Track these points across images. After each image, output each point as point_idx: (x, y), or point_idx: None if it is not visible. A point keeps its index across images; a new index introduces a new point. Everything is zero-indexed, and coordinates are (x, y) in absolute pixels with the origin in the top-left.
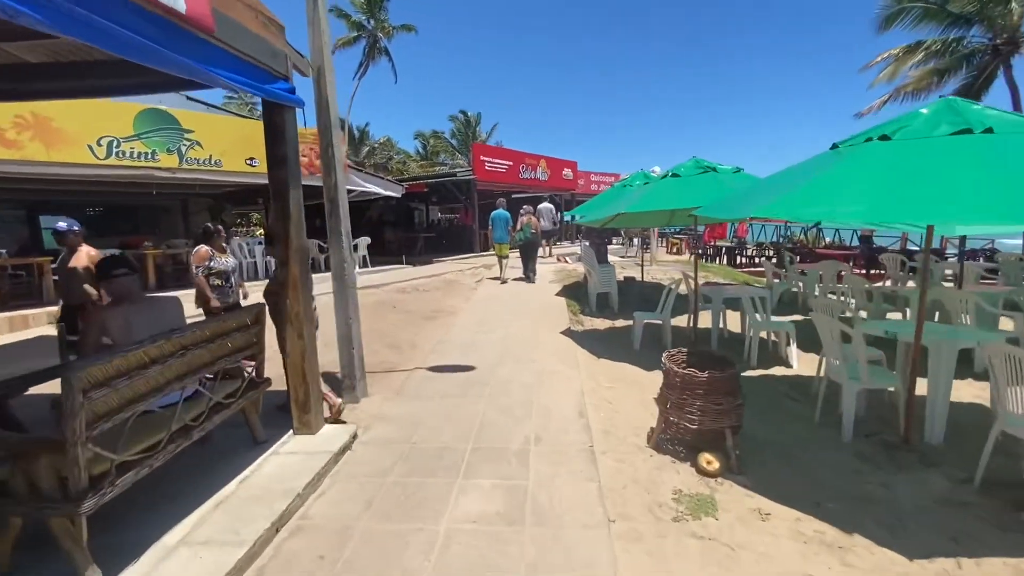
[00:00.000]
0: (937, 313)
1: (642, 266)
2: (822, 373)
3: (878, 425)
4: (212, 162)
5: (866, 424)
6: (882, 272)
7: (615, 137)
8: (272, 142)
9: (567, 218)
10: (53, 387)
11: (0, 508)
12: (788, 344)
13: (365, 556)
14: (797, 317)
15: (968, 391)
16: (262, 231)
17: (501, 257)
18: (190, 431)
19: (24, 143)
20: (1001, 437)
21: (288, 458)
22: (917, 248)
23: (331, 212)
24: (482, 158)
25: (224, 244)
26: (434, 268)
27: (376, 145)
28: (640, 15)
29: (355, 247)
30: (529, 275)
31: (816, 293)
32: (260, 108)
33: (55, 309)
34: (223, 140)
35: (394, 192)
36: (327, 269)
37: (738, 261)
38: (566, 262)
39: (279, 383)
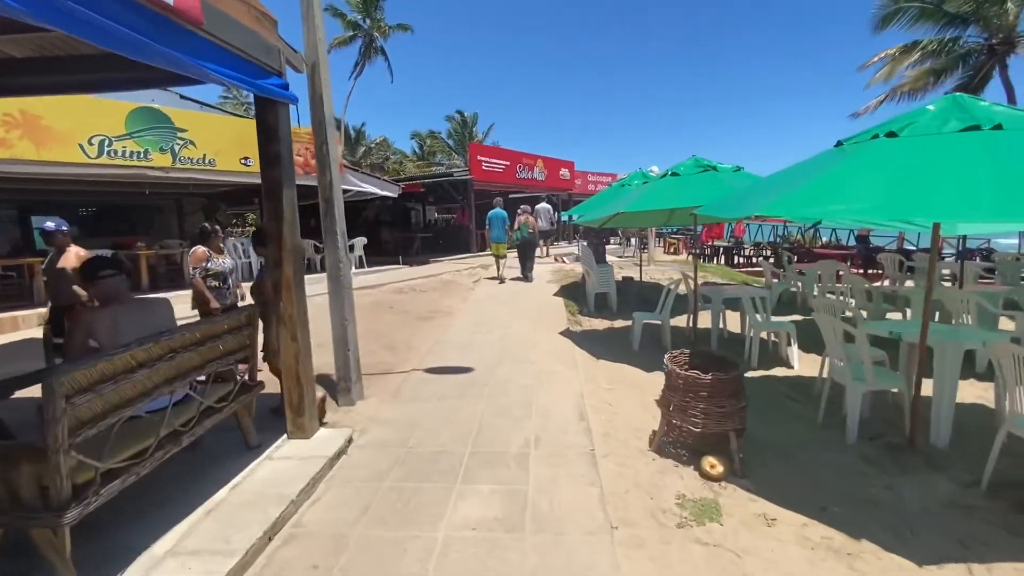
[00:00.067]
0: (937, 313)
1: (640, 266)
2: (825, 374)
3: (882, 427)
4: (206, 161)
5: (870, 426)
6: (880, 272)
7: (613, 137)
8: (265, 140)
9: (564, 218)
10: (40, 391)
11: None
12: (789, 344)
13: (361, 564)
14: (797, 317)
15: (970, 391)
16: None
17: (498, 257)
18: (179, 437)
19: (13, 142)
20: (1006, 439)
21: (282, 463)
22: (914, 248)
23: (326, 212)
24: (479, 158)
25: (221, 244)
26: (431, 268)
27: (372, 145)
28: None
29: (351, 247)
30: (527, 275)
31: (815, 293)
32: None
33: (45, 311)
34: (217, 139)
35: (390, 192)
36: (323, 270)
37: (735, 261)
38: (563, 262)
39: (271, 386)
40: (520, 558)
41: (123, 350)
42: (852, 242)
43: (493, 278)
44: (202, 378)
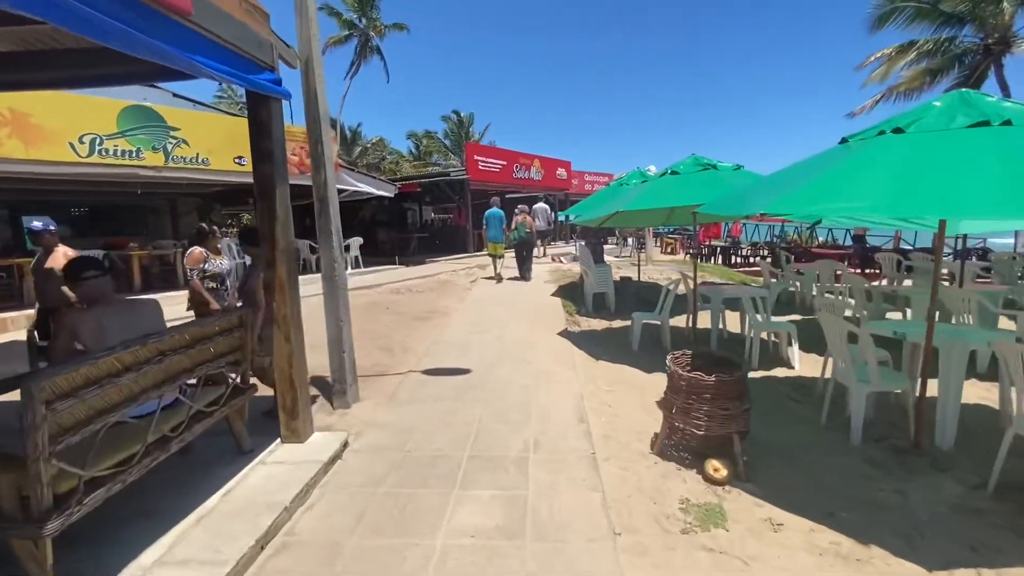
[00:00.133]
0: (937, 312)
1: (638, 266)
2: (827, 375)
3: (886, 428)
4: (199, 161)
5: (874, 427)
6: (877, 271)
7: (612, 137)
8: (257, 136)
9: (561, 218)
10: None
11: None
12: (789, 345)
13: (356, 575)
14: (796, 317)
15: (973, 392)
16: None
17: (496, 256)
18: (168, 442)
19: (2, 140)
20: (1013, 440)
21: (275, 468)
22: (910, 247)
23: (321, 211)
24: (476, 157)
25: (219, 245)
26: (428, 268)
27: (368, 145)
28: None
29: (347, 247)
30: (525, 274)
31: (814, 293)
32: None
33: (33, 312)
34: (210, 138)
35: (387, 192)
36: (319, 270)
37: (733, 261)
38: (561, 262)
39: (265, 388)
40: (520, 567)
41: (108, 353)
42: (848, 242)
43: (490, 278)
44: (192, 381)
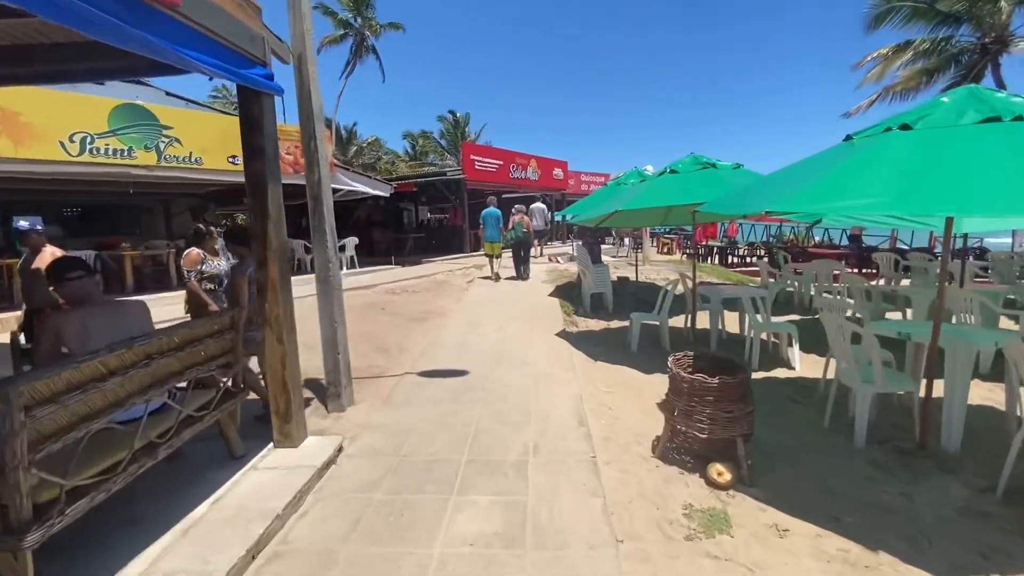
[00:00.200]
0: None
1: (636, 266)
2: (830, 375)
3: (890, 430)
4: (192, 160)
5: (877, 429)
6: (873, 271)
7: (611, 138)
8: (249, 133)
9: (558, 218)
10: None
11: None
12: (790, 345)
13: None
14: (794, 317)
15: (976, 392)
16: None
17: (493, 256)
18: (156, 449)
19: None
20: (1022, 444)
21: (267, 474)
22: (906, 247)
23: (314, 210)
24: (472, 157)
25: (216, 246)
26: (424, 268)
27: (364, 145)
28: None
29: (342, 247)
30: (522, 274)
31: (812, 293)
32: None
33: (19, 314)
34: (204, 137)
35: (383, 192)
36: (315, 270)
37: (729, 261)
38: (558, 262)
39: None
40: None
41: (91, 357)
42: (845, 242)
43: (487, 277)
44: (182, 385)
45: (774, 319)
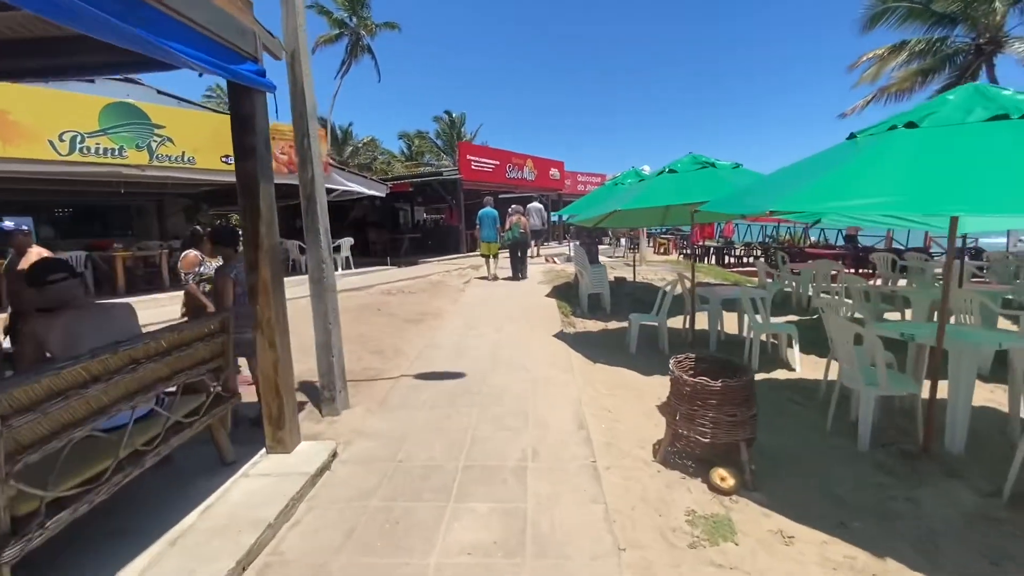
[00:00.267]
0: (936, 312)
1: (634, 266)
2: (831, 377)
3: (892, 433)
4: (185, 159)
5: (880, 432)
6: (870, 271)
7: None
8: (239, 131)
9: (555, 218)
10: None
11: None
12: (790, 346)
13: None
14: (793, 317)
15: (977, 394)
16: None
17: (490, 256)
18: (142, 457)
19: None
20: None
21: (259, 481)
22: (902, 247)
23: (308, 209)
24: (468, 157)
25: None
26: (420, 269)
27: (360, 145)
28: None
29: (338, 248)
30: (518, 275)
31: (810, 293)
32: None
33: (4, 316)
34: (196, 136)
35: (378, 192)
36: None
37: (726, 261)
38: (554, 262)
39: (250, 394)
40: None
41: (73, 362)
42: (841, 242)
43: (483, 278)
44: (171, 389)
45: (773, 320)
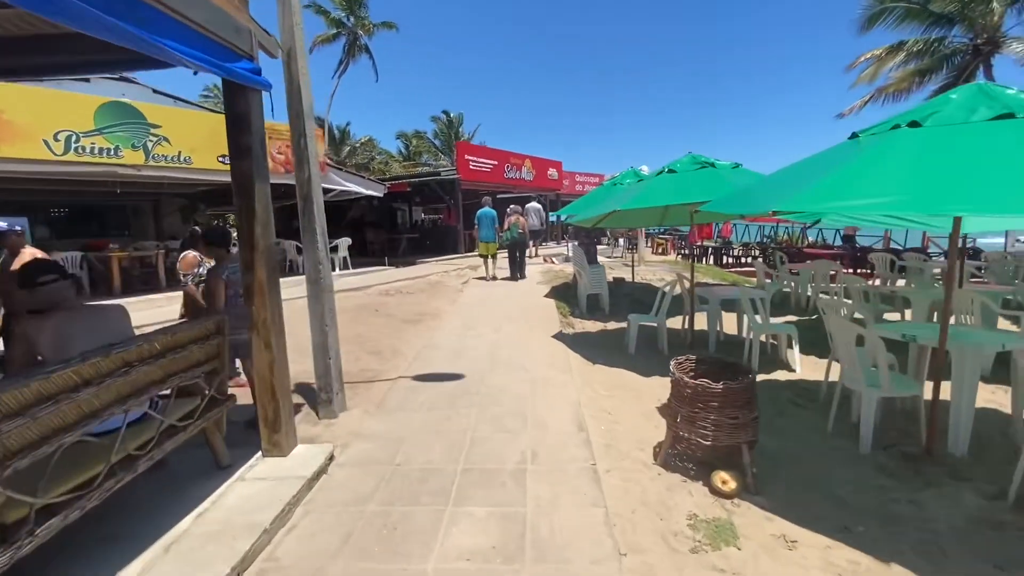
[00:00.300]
0: (935, 313)
1: (632, 267)
2: (832, 378)
3: (894, 435)
4: (181, 159)
5: (882, 433)
6: (868, 272)
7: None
8: (235, 130)
9: (553, 218)
10: None
11: None
12: (789, 347)
13: None
14: (791, 318)
15: (979, 394)
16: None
17: (488, 256)
18: (135, 462)
19: None
20: None
21: (254, 485)
22: (900, 247)
23: (304, 209)
24: (466, 157)
25: None
26: (418, 269)
27: (357, 145)
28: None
29: (335, 248)
30: (517, 275)
31: (809, 294)
32: None
33: None
34: (193, 136)
35: (376, 192)
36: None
37: (724, 261)
38: (552, 263)
39: (245, 396)
40: None
41: (64, 365)
42: (839, 242)
43: (481, 278)
44: (165, 392)
45: (772, 320)
